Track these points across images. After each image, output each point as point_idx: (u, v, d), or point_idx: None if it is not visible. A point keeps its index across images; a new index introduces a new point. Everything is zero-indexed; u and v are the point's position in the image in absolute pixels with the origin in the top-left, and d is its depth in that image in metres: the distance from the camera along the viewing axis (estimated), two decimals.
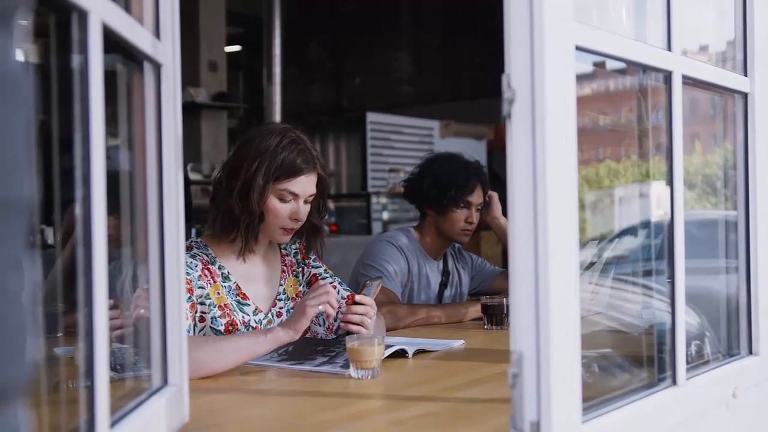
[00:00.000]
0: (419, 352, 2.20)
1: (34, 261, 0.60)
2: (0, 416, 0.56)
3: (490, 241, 6.72)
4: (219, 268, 2.23)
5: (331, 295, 2.01)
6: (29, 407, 0.61)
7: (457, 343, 2.36)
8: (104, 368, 1.03)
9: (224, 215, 2.22)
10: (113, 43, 1.12)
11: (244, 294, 2.24)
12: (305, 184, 2.22)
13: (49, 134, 1.03)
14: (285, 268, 2.39)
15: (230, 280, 2.23)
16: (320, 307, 1.98)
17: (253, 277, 2.30)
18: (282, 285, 2.36)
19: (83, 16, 1.00)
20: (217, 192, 2.25)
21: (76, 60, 1.02)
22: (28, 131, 0.59)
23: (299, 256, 2.44)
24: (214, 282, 2.19)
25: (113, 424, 1.10)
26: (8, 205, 0.56)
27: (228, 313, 2.18)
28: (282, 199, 2.20)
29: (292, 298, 2.36)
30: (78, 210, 1.02)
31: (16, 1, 0.56)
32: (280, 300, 2.34)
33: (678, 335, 1.52)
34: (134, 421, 1.18)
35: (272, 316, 2.29)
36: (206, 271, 2.18)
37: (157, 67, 1.36)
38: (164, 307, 1.38)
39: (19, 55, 0.58)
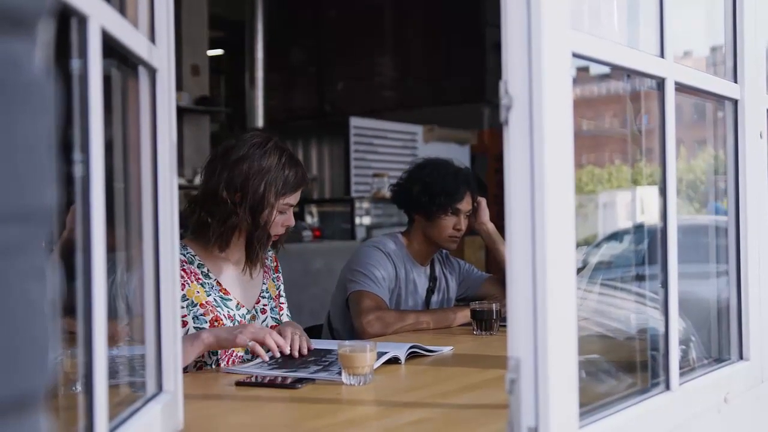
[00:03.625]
0: (412, 356, 2.21)
1: (54, 269, 0.60)
2: (24, 423, 0.55)
3: (473, 246, 6.74)
4: (198, 267, 2.30)
5: (267, 338, 2.07)
6: (48, 414, 0.60)
7: (447, 349, 2.36)
8: (103, 376, 1.02)
9: (230, 230, 2.28)
10: (109, 47, 1.12)
11: (226, 290, 2.32)
12: (299, 195, 2.37)
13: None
14: (266, 268, 2.49)
15: (211, 278, 2.31)
16: (250, 343, 2.04)
17: (236, 276, 2.37)
18: (265, 284, 2.46)
19: (83, 21, 0.99)
20: (215, 205, 2.26)
21: (74, 64, 1.02)
22: (51, 139, 0.59)
23: (273, 263, 2.55)
24: (192, 282, 2.26)
25: (111, 431, 1.09)
26: (31, 213, 0.55)
27: (211, 310, 2.25)
28: (281, 212, 2.32)
29: (274, 297, 2.48)
30: (77, 215, 1.01)
31: (39, 8, 0.56)
32: (264, 297, 2.43)
33: (671, 340, 1.53)
34: (130, 428, 1.17)
35: (256, 312, 2.39)
36: (182, 272, 2.21)
37: (152, 71, 1.35)
38: (159, 314, 1.37)
39: (42, 62, 0.58)
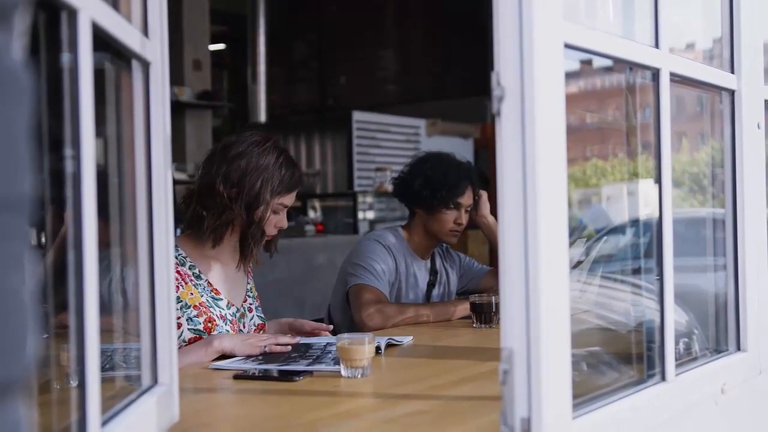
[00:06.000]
0: (389, 346, 2.26)
1: (34, 258, 0.60)
2: (2, 412, 0.56)
3: (477, 240, 6.73)
4: (189, 268, 2.32)
5: (279, 339, 2.22)
6: (28, 404, 0.61)
7: (407, 339, 2.39)
8: (95, 368, 1.02)
9: (224, 225, 2.31)
10: (101, 41, 1.12)
11: (216, 290, 2.35)
12: (294, 197, 2.40)
13: (36, 133, 1.02)
14: (249, 269, 2.52)
15: (202, 279, 2.33)
16: (266, 348, 2.15)
17: (224, 275, 2.40)
18: (249, 284, 2.50)
19: (73, 14, 1.00)
20: (211, 199, 2.28)
21: (65, 58, 1.02)
22: (28, 129, 0.59)
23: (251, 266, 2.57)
24: (186, 283, 2.28)
25: (104, 423, 1.10)
26: (10, 202, 0.56)
27: (204, 311, 2.28)
28: (275, 212, 2.35)
29: (256, 296, 2.52)
30: (68, 211, 1.02)
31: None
32: (249, 296, 2.48)
33: (667, 331, 1.53)
34: (125, 420, 1.18)
35: (244, 310, 2.43)
36: (176, 274, 2.22)
37: (145, 65, 1.35)
38: (154, 307, 1.37)
39: (19, 52, 0.58)
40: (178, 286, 2.23)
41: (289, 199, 2.37)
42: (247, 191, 2.28)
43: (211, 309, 2.29)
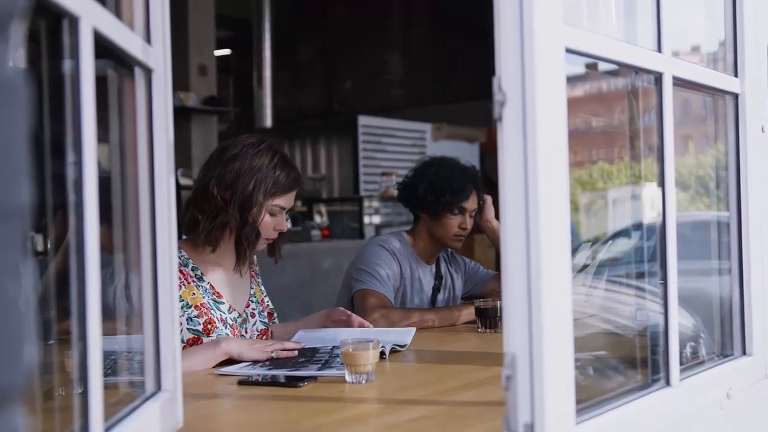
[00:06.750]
0: (393, 351, 2.25)
1: (31, 267, 0.61)
2: (0, 420, 0.56)
3: (483, 245, 6.72)
4: (192, 270, 2.33)
5: (285, 345, 2.23)
6: (26, 412, 0.61)
7: (410, 336, 2.39)
8: (98, 375, 1.02)
9: (219, 227, 2.31)
10: (103, 48, 1.12)
11: (218, 293, 2.36)
12: (292, 199, 2.39)
13: (39, 140, 1.02)
14: (253, 274, 2.53)
15: (204, 281, 2.34)
16: (273, 354, 2.16)
17: (227, 280, 2.40)
18: (252, 288, 2.50)
19: (74, 21, 1.00)
20: (206, 202, 2.30)
21: (66, 65, 1.02)
22: (25, 137, 0.59)
23: (257, 268, 2.58)
24: (188, 284, 2.30)
25: (107, 429, 1.10)
26: (7, 210, 0.56)
27: (205, 312, 2.29)
28: (272, 214, 2.34)
29: (260, 301, 2.51)
30: (70, 217, 1.02)
31: (13, 8, 0.57)
32: (252, 301, 2.47)
33: (671, 335, 1.52)
34: (128, 426, 1.18)
35: (246, 315, 2.43)
36: (178, 273, 2.22)
37: (148, 72, 1.35)
38: (157, 313, 1.38)
39: (16, 62, 0.58)
40: (180, 285, 2.23)
41: (285, 201, 2.35)
42: (240, 192, 2.28)
43: (212, 311, 2.30)
